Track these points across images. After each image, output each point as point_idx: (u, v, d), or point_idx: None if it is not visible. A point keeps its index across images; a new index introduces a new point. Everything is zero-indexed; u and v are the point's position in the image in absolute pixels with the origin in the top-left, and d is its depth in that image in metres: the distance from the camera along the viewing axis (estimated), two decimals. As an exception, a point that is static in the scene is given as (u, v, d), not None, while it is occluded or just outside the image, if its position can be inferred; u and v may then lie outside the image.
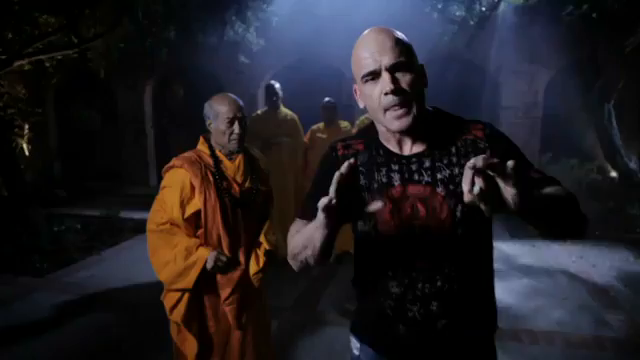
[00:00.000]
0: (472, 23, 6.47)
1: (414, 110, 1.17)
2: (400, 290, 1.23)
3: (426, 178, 1.21)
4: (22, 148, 8.32)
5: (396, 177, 1.23)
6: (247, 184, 2.19)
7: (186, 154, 2.17)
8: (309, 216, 1.31)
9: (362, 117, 5.19)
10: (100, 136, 10.78)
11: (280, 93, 4.91)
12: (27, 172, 7.37)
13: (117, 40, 6.47)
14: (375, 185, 1.25)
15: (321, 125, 5.12)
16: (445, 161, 1.21)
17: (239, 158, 2.21)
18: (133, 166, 9.78)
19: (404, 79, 1.16)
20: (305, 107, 5.84)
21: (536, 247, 5.40)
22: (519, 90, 7.95)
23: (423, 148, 1.24)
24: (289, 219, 5.25)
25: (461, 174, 1.12)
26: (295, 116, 5.05)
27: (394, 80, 1.15)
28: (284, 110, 5.01)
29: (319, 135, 5.06)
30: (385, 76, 1.15)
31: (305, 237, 1.17)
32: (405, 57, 1.16)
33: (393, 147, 1.26)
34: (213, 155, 2.16)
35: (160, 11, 5.54)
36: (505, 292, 4.02)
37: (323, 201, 0.97)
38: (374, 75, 1.17)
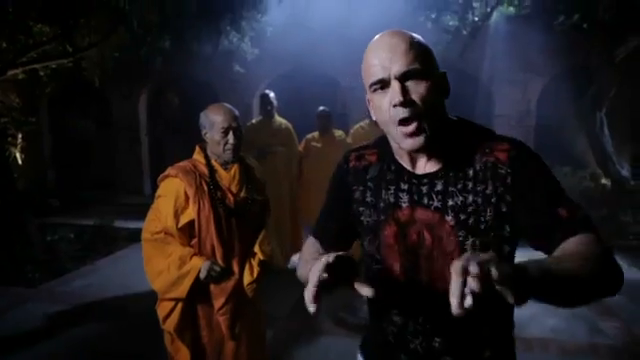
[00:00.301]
0: (465, 33, 6.53)
1: (427, 126, 1.03)
2: (401, 320, 1.15)
3: (436, 203, 1.08)
4: (15, 157, 8.27)
5: (405, 198, 1.12)
6: (242, 194, 2.20)
7: (181, 163, 2.18)
8: (321, 235, 1.30)
9: (356, 126, 5.21)
10: (94, 145, 10.74)
11: (275, 102, 4.94)
12: (20, 181, 7.33)
13: (112, 49, 6.48)
14: (381, 204, 1.15)
15: (316, 134, 5.14)
16: (459, 185, 1.07)
17: (234, 168, 2.21)
18: (127, 175, 9.75)
19: (416, 89, 1.02)
20: (300, 116, 5.86)
21: (530, 254, 5.41)
22: (512, 99, 8.02)
23: (438, 167, 1.10)
24: (284, 228, 5.28)
25: (475, 202, 1.05)
26: (290, 125, 5.06)
27: (404, 90, 1.02)
28: (279, 119, 5.02)
29: (314, 144, 5.08)
30: (394, 85, 1.02)
31: (302, 270, 1.08)
32: (419, 64, 1.02)
33: (406, 163, 1.14)
34: (208, 164, 2.17)
35: (155, 20, 5.56)
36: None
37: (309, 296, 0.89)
38: (383, 84, 1.04)
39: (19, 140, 8.40)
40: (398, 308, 1.15)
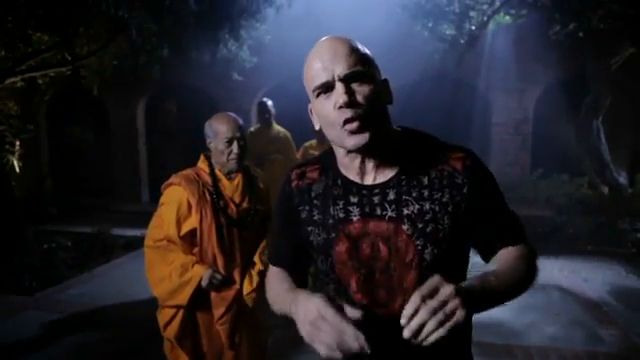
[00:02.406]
0: (462, 41, 6.57)
1: (372, 126, 1.01)
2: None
3: (390, 213, 1.04)
4: (13, 165, 8.26)
5: (355, 211, 1.07)
6: (245, 204, 2.20)
7: (185, 172, 2.19)
8: (280, 262, 1.25)
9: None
10: (92, 153, 10.74)
11: (272, 110, 4.95)
12: (18, 189, 7.30)
13: (110, 57, 6.49)
14: (330, 221, 1.10)
15: (314, 142, 5.13)
16: (414, 194, 1.05)
17: (238, 177, 2.22)
18: (125, 183, 9.73)
19: (361, 90, 1.00)
20: (298, 124, 5.87)
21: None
22: (509, 107, 8.06)
23: (388, 177, 1.07)
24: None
25: (433, 210, 1.04)
26: (287, 133, 5.08)
27: (349, 91, 0.99)
28: (276, 127, 5.04)
29: (311, 152, 5.07)
30: (339, 87, 1.00)
31: (281, 305, 1.11)
32: (362, 67, 1.01)
33: (353, 175, 1.10)
34: (212, 174, 2.18)
35: (154, 29, 5.58)
36: (498, 308, 4.00)
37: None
38: (327, 87, 1.02)
39: (17, 148, 8.40)
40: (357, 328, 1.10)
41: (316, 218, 1.13)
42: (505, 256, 1.08)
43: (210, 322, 2.17)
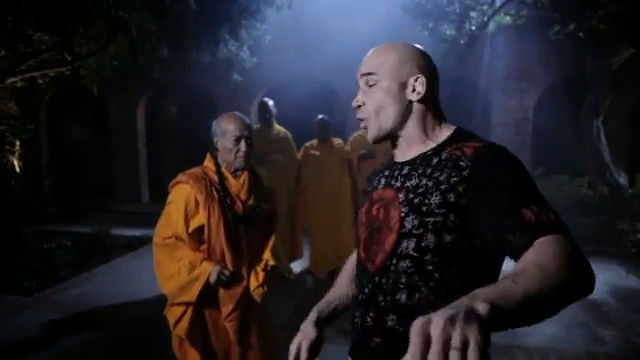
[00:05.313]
0: (462, 42, 6.57)
1: (375, 124, 1.17)
2: (355, 292, 1.24)
3: (397, 184, 1.16)
4: (13, 165, 8.26)
5: (382, 181, 1.23)
6: (251, 201, 2.23)
7: (192, 170, 2.21)
8: None
9: (355, 134, 5.21)
10: (92, 153, 10.74)
11: (273, 110, 4.95)
12: (18, 189, 7.31)
13: (110, 57, 6.49)
14: (370, 189, 1.30)
15: (314, 142, 5.13)
16: (420, 170, 1.12)
17: (244, 175, 2.24)
18: (125, 183, 9.73)
19: (369, 92, 1.17)
20: (298, 124, 5.87)
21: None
22: (509, 107, 8.06)
23: (411, 157, 1.18)
24: (283, 236, 5.26)
25: (426, 185, 1.08)
26: (288, 133, 5.07)
27: (359, 96, 1.18)
28: (277, 127, 5.03)
29: (312, 152, 5.07)
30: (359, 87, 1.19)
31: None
32: (375, 69, 1.15)
33: (396, 154, 1.26)
34: (218, 172, 2.20)
35: (154, 29, 5.57)
36: (498, 308, 4.01)
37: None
38: (358, 85, 1.21)
39: (17, 148, 8.40)
40: (356, 280, 1.25)
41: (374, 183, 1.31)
42: (530, 256, 0.86)
43: (217, 319, 2.19)
